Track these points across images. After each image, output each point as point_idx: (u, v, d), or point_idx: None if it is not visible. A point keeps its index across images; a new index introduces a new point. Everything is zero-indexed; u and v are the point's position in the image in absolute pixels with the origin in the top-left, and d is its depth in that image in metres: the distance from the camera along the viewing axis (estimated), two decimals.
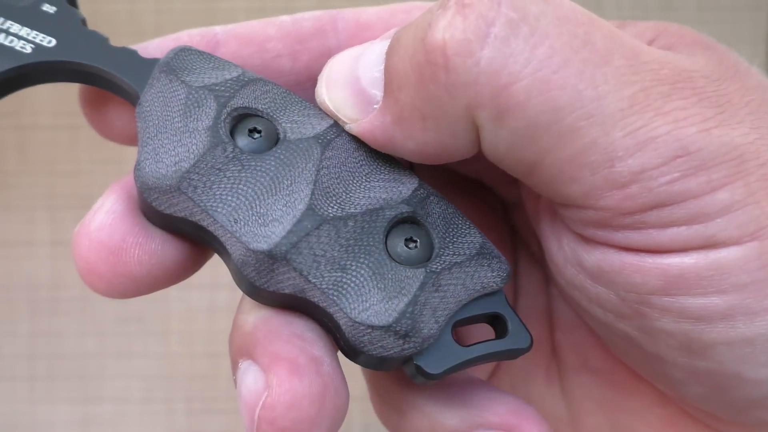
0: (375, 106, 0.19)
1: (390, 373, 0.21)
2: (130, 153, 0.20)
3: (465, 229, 0.20)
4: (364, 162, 0.20)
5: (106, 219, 0.19)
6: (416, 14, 0.21)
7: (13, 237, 0.45)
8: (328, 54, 0.22)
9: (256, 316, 0.20)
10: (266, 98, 0.20)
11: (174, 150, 0.19)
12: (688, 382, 0.20)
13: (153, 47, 0.22)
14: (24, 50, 0.21)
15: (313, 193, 0.19)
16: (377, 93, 0.19)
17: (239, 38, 0.22)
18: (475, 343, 0.20)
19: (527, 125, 0.18)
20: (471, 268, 0.20)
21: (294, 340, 0.19)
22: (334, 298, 0.19)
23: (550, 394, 0.25)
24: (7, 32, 0.21)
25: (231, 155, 0.19)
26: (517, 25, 0.17)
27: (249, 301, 0.20)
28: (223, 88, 0.20)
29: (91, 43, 0.21)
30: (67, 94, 0.47)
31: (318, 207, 0.19)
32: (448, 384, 0.20)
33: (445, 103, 0.18)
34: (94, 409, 0.44)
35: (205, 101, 0.20)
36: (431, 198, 0.20)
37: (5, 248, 0.45)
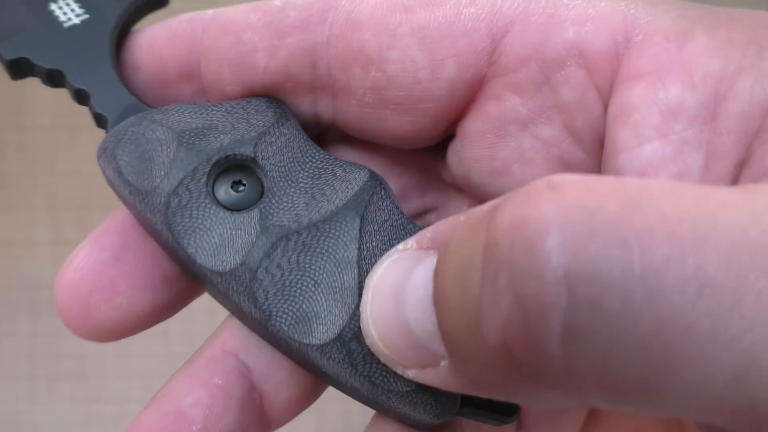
0: (442, 363, 0.15)
1: None
2: None
3: None
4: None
5: (75, 275, 0.19)
6: (421, 16, 0.19)
7: (13, 237, 0.45)
8: (310, 52, 0.20)
9: (179, 373, 0.20)
10: None
11: None
12: None
13: (144, 37, 0.21)
14: None
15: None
16: (438, 348, 0.15)
17: (219, 25, 0.20)
18: None
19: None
20: None
21: (167, 414, 0.20)
22: None
23: None
24: None
25: None
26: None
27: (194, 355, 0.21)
28: None
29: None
30: (67, 94, 0.47)
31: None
32: None
33: (537, 391, 0.14)
34: (94, 409, 0.45)
35: None
36: None
37: (5, 248, 0.45)
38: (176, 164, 0.19)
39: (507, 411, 0.20)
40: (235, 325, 0.20)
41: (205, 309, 0.45)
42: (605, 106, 0.18)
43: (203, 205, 0.19)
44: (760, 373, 0.12)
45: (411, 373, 0.16)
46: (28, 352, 0.45)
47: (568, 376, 0.12)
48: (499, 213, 0.13)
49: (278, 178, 0.20)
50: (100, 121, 0.20)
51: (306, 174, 0.20)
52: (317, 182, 0.20)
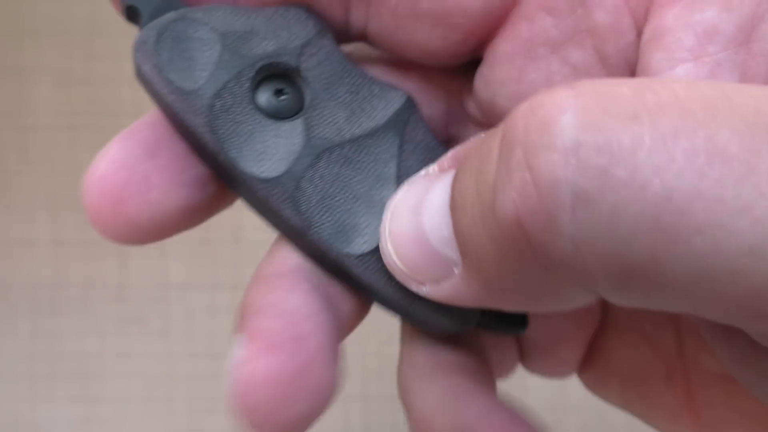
0: (455, 270, 0.16)
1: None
2: None
3: None
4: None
5: (108, 167, 0.19)
6: None
7: (13, 237, 0.45)
8: None
9: (256, 290, 0.19)
10: None
11: None
12: None
13: None
14: None
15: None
16: (452, 254, 0.16)
17: None
18: None
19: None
20: None
21: (281, 314, 0.18)
22: None
23: (674, 401, 0.21)
24: None
25: None
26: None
27: (255, 277, 0.20)
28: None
29: None
30: (67, 94, 0.47)
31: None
32: (452, 385, 0.20)
33: (547, 282, 0.14)
34: (94, 408, 0.44)
35: None
36: None
37: (6, 248, 0.45)
38: (221, 66, 0.19)
39: (518, 321, 0.21)
40: (283, 247, 0.20)
41: (205, 308, 0.45)
42: (639, 33, 0.18)
43: (247, 110, 0.19)
44: None
45: (425, 290, 0.17)
46: (28, 352, 0.45)
47: (577, 252, 0.13)
48: (515, 109, 0.14)
49: (320, 90, 0.20)
50: (132, 14, 0.20)
51: (345, 89, 0.20)
52: (356, 98, 0.20)
